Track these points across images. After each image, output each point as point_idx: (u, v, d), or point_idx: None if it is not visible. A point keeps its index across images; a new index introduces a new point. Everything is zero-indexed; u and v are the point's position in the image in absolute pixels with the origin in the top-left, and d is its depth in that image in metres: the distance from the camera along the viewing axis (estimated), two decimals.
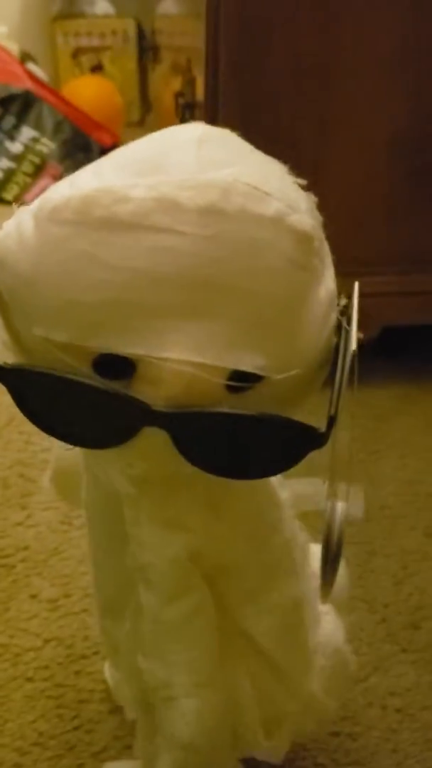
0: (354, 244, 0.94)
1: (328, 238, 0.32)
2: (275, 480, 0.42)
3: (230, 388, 0.30)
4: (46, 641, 0.63)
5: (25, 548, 0.73)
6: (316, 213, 0.31)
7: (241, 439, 0.31)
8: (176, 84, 1.34)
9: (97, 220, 0.28)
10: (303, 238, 0.29)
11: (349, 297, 0.33)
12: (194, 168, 0.28)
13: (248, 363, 0.29)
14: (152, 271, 0.28)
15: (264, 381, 0.30)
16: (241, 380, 0.30)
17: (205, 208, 0.27)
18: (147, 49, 2.24)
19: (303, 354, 0.31)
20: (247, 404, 0.30)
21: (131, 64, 2.36)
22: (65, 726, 0.56)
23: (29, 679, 0.59)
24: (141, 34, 2.33)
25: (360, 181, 0.96)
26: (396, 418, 0.99)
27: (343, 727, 0.57)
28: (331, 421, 0.31)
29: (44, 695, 0.58)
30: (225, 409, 0.30)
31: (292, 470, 0.33)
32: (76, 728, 0.56)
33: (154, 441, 0.30)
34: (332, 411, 0.31)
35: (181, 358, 0.28)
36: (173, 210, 0.27)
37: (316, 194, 0.32)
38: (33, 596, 0.68)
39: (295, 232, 0.29)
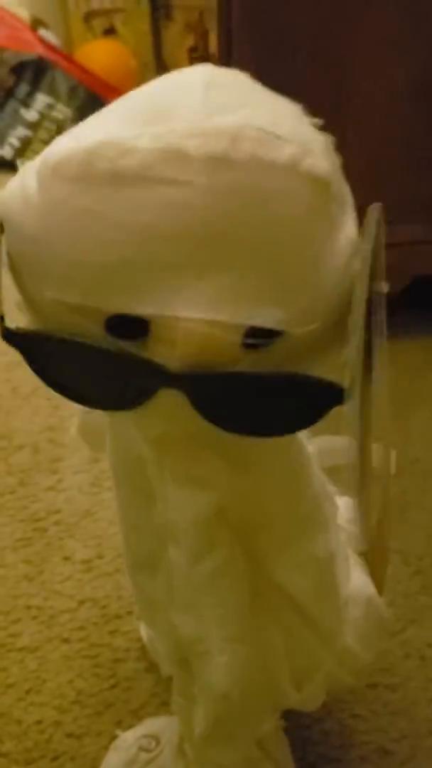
0: (377, 193, 0.91)
1: (350, 188, 0.31)
2: (302, 433, 0.41)
3: (248, 345, 0.29)
4: (81, 602, 0.63)
5: (57, 512, 0.73)
6: (334, 155, 0.30)
7: (260, 398, 0.30)
8: (190, 42, 1.31)
9: (102, 175, 0.27)
10: (319, 184, 0.28)
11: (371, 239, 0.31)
12: (202, 113, 0.27)
13: (265, 318, 0.28)
14: (160, 227, 0.26)
15: (283, 336, 0.29)
16: (258, 337, 0.28)
17: (213, 158, 0.26)
18: (159, 8, 2.20)
19: (323, 306, 0.29)
20: (266, 360, 0.29)
21: (144, 26, 2.32)
22: (102, 684, 0.56)
23: (65, 640, 0.60)
24: None
25: (381, 128, 0.94)
26: (428, 371, 0.98)
27: (381, 679, 0.57)
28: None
29: (80, 655, 0.59)
30: (242, 370, 0.29)
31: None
32: (113, 686, 0.56)
33: (171, 401, 0.29)
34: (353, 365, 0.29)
35: (195, 316, 0.27)
36: (180, 161, 0.26)
37: (336, 144, 0.30)
38: (66, 558, 0.68)
39: (310, 178, 0.27)
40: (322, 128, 0.30)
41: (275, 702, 0.43)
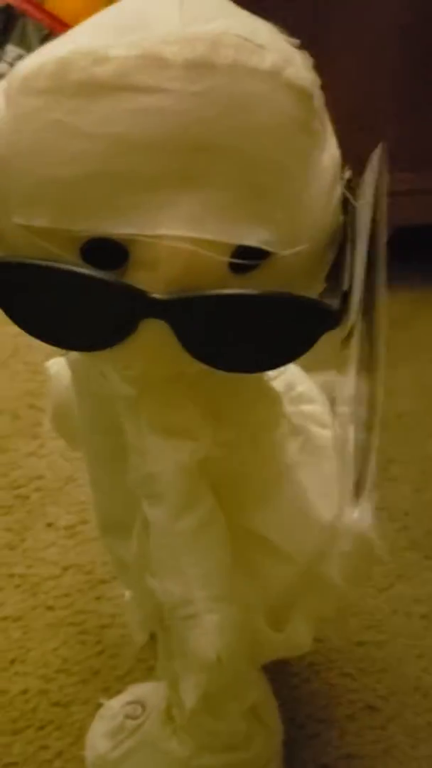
0: (359, 141, 0.89)
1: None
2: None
3: (234, 269, 0.27)
4: (65, 569, 0.63)
5: (39, 478, 0.72)
6: (314, 73, 0.28)
7: (247, 323, 0.29)
8: None
9: (74, 85, 0.25)
10: (302, 95, 0.27)
11: (355, 170, 0.30)
12: (178, 23, 0.26)
13: (252, 236, 0.27)
14: (137, 137, 0.25)
15: (269, 260, 0.28)
16: (245, 258, 0.27)
17: (192, 63, 0.25)
18: None
19: (309, 227, 0.28)
20: (253, 287, 0.28)
21: None
22: (88, 651, 0.56)
23: (50, 608, 0.59)
24: None
25: (364, 72, 0.91)
26: (412, 324, 0.97)
27: (368, 636, 0.57)
28: (345, 296, 0.29)
29: (66, 623, 0.58)
30: (228, 290, 0.27)
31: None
32: (99, 653, 0.56)
33: (154, 337, 0.28)
34: (346, 286, 0.29)
35: (178, 233, 0.26)
36: (157, 66, 0.25)
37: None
38: (49, 525, 0.67)
39: (293, 88, 0.26)
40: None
41: (261, 653, 0.42)
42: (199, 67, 0.25)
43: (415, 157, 0.94)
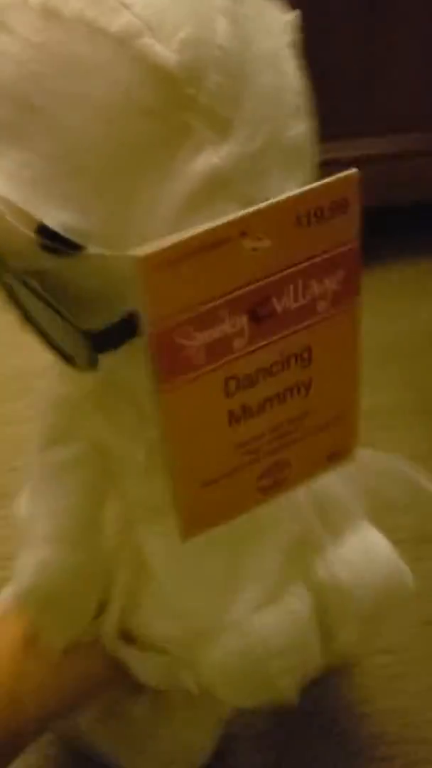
0: (336, 104, 0.84)
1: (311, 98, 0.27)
2: None
3: (46, 248, 0.25)
4: None
5: None
6: (237, 59, 0.24)
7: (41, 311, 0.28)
8: None
9: None
10: (160, 75, 0.22)
11: None
12: None
13: (52, 215, 0.24)
14: None
15: (83, 253, 0.25)
16: (53, 239, 0.24)
17: (46, 10, 0.23)
18: None
19: (151, 233, 0.24)
20: (76, 272, 0.25)
21: None
22: None
23: None
24: None
25: (341, 36, 0.84)
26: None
27: None
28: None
29: None
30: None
31: None
32: None
33: None
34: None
35: None
36: (20, 7, 0.23)
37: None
38: None
39: (147, 65, 0.22)
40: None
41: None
42: (49, 16, 0.23)
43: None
